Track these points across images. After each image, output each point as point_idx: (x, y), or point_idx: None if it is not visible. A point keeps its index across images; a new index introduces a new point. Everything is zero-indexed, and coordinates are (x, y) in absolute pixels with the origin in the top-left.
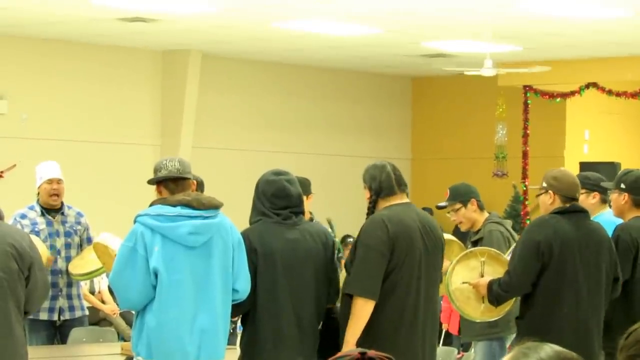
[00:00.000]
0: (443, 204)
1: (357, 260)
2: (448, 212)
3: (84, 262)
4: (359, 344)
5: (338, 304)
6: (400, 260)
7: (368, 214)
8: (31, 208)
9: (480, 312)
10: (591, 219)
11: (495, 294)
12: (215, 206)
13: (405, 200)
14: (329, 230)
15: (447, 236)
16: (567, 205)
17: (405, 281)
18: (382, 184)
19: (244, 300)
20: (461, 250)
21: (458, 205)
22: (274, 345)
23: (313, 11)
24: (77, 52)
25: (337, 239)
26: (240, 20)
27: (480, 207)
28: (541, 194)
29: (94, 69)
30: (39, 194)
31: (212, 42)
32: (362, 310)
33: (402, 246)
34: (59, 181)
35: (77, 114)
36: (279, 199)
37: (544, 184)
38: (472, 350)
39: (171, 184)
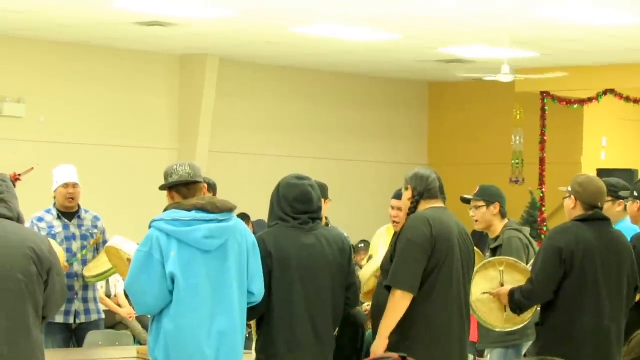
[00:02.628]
0: (468, 197)
1: (398, 254)
2: (470, 208)
3: (97, 265)
4: (396, 341)
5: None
6: (441, 260)
7: (409, 214)
8: (48, 211)
9: (502, 321)
10: (614, 226)
11: (518, 302)
12: (229, 209)
13: (444, 206)
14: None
15: None
16: (590, 212)
17: (446, 282)
18: (428, 186)
19: (259, 304)
20: (480, 259)
21: (482, 203)
22: (288, 349)
23: (330, 16)
24: (95, 56)
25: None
26: (257, 25)
27: (502, 214)
28: (566, 197)
29: (112, 73)
30: (55, 197)
31: (229, 46)
32: (400, 303)
33: (443, 246)
34: (75, 185)
35: (94, 118)
36: (300, 204)
37: (569, 188)
38: (488, 357)
39: (183, 188)
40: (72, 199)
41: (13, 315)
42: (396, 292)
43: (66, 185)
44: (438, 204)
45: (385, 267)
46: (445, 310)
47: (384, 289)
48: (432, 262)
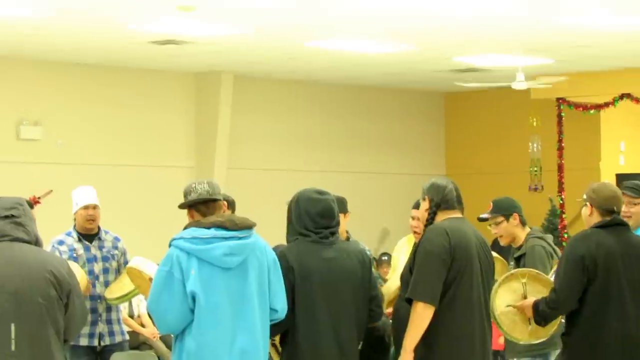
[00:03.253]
0: (485, 215)
1: (417, 266)
2: (489, 225)
3: (119, 286)
4: (420, 354)
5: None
6: (460, 272)
7: (426, 225)
8: (68, 234)
9: (528, 334)
10: (634, 231)
11: (542, 313)
12: (248, 226)
13: (461, 216)
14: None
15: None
16: (608, 218)
17: (466, 292)
18: (445, 197)
19: (282, 320)
20: (503, 267)
21: (500, 219)
22: None
23: (344, 30)
24: (110, 76)
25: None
26: (270, 41)
27: (522, 223)
28: (583, 206)
29: (127, 93)
30: (75, 219)
31: (244, 63)
32: (422, 316)
33: (462, 256)
34: (94, 207)
35: (111, 138)
36: (323, 218)
37: (584, 196)
38: None
39: (202, 206)
40: (93, 220)
41: (35, 340)
42: (417, 304)
43: (86, 207)
44: (456, 214)
45: (404, 279)
46: (467, 321)
47: (403, 301)
48: (451, 273)
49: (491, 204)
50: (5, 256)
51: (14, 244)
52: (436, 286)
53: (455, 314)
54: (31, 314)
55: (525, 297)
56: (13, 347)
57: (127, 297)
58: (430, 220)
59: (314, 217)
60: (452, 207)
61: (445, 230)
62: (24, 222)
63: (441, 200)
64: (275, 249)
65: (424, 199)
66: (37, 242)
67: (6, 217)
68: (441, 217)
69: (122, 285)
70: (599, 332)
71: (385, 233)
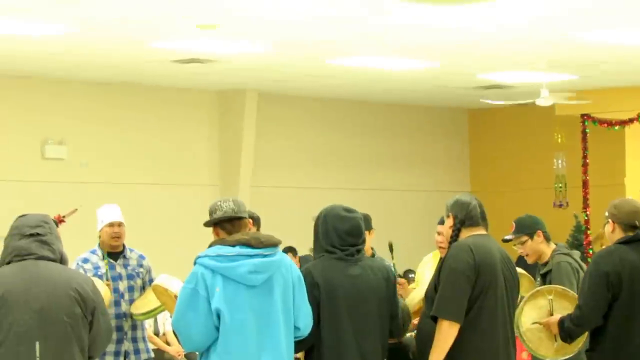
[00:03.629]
0: (509, 237)
1: (442, 283)
2: (514, 245)
3: (145, 302)
4: None
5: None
6: (485, 288)
7: (451, 242)
8: (93, 252)
9: (554, 351)
10: None
11: (568, 329)
12: (273, 244)
13: (486, 232)
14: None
15: (518, 270)
16: (631, 234)
17: (491, 309)
18: (469, 213)
19: (306, 337)
20: (530, 283)
21: (524, 238)
22: None
23: (368, 47)
24: (135, 95)
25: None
26: (294, 58)
27: (547, 239)
28: (605, 223)
29: (152, 111)
30: (100, 237)
31: (267, 80)
32: (447, 333)
33: (487, 273)
34: (120, 224)
35: (135, 157)
36: (351, 236)
37: (606, 213)
38: None
39: (227, 224)
40: (118, 237)
41: (60, 358)
42: (443, 322)
43: (111, 225)
44: (480, 231)
45: (429, 296)
46: (492, 337)
47: (427, 318)
48: (476, 290)
49: (513, 224)
50: (30, 274)
51: (39, 262)
52: (461, 303)
53: (479, 331)
54: (56, 332)
55: (551, 314)
56: None
57: (152, 313)
58: (454, 237)
59: (341, 235)
60: (476, 223)
61: (469, 247)
62: (49, 241)
63: (465, 217)
64: (303, 258)
65: (447, 216)
66: (62, 260)
67: (31, 235)
68: (465, 234)
69: (147, 302)
70: (624, 347)
71: (390, 248)
